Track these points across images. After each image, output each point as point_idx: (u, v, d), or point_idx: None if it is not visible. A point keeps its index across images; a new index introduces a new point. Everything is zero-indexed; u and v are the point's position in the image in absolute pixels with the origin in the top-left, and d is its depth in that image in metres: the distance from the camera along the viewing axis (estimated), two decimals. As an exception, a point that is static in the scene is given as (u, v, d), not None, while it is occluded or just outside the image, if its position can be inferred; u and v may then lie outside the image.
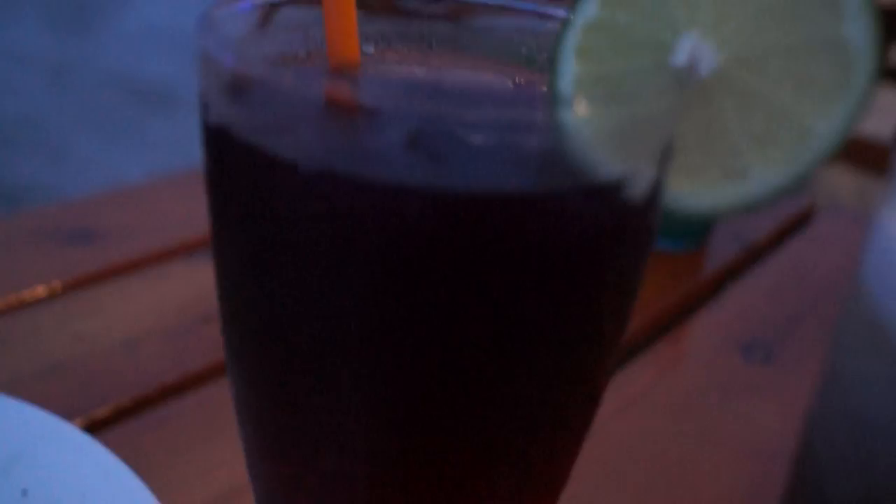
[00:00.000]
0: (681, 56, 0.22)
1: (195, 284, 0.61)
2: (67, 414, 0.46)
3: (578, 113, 0.19)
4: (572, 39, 0.23)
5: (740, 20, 0.22)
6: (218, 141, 0.20)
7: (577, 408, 0.23)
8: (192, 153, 0.62)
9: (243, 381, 0.23)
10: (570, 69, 0.22)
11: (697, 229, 0.70)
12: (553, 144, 0.19)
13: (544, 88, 0.23)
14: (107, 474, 0.38)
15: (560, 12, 0.25)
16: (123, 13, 5.35)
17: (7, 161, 3.05)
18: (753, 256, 0.73)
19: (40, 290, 0.59)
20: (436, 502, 0.22)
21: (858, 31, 0.21)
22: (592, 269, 0.20)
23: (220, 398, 0.52)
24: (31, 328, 0.55)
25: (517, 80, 0.26)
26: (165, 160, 3.10)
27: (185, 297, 0.60)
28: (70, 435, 0.40)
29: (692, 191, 0.21)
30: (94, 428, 0.47)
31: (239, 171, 0.19)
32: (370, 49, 0.26)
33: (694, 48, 0.22)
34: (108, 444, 0.42)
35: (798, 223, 0.80)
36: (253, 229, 0.20)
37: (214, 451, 0.46)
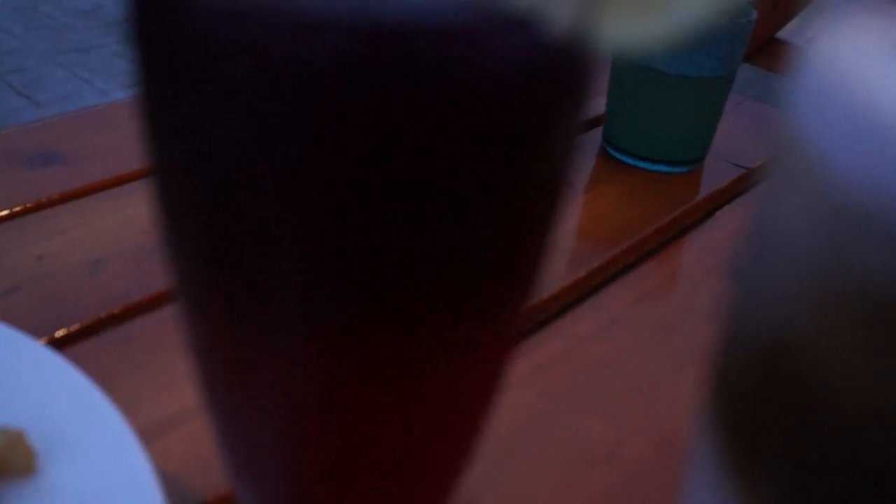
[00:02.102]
0: None
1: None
2: (30, 333, 0.46)
3: None
4: None
5: None
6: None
7: (502, 278, 0.22)
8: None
9: (176, 258, 0.22)
10: None
11: (692, 153, 0.69)
12: None
13: None
14: (66, 386, 0.38)
15: None
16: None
17: (-21, 95, 2.99)
18: (749, 181, 0.72)
19: (2, 213, 0.57)
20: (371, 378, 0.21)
21: None
22: (509, 116, 0.19)
23: (186, 316, 0.52)
24: (-8, 250, 0.54)
25: None
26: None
27: (149, 218, 0.59)
28: (29, 348, 0.40)
29: (618, 24, 0.19)
30: (56, 346, 0.46)
31: (159, 30, 0.18)
32: None
33: None
34: (70, 360, 0.41)
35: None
36: (167, 82, 0.19)
37: (178, 367, 0.45)
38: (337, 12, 0.16)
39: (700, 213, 0.66)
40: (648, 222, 0.62)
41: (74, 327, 0.47)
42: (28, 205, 0.58)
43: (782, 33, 2.48)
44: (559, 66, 0.19)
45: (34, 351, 0.40)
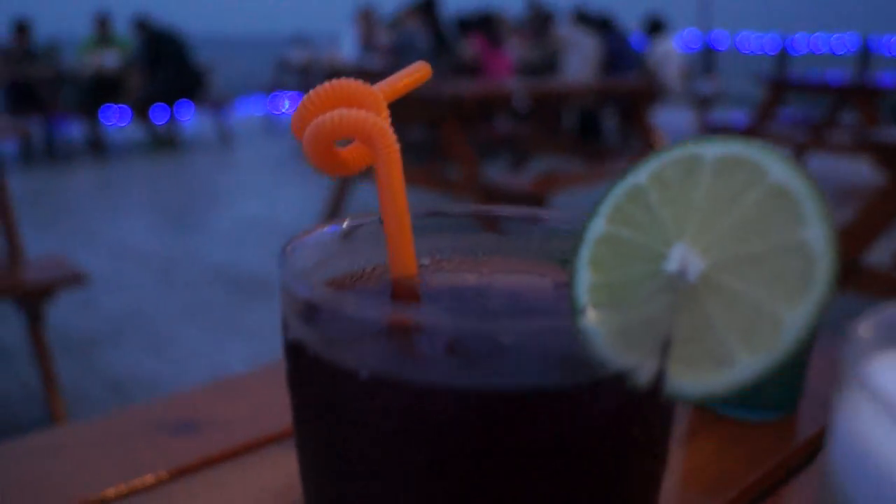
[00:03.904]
0: (673, 263, 0.26)
1: (287, 471, 0.65)
2: None
3: (590, 319, 0.23)
4: (585, 252, 0.27)
5: (720, 232, 0.26)
6: (294, 353, 0.25)
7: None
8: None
9: None
10: (584, 278, 0.27)
11: (785, 400, 0.71)
12: (572, 345, 0.23)
13: (564, 293, 0.27)
14: None
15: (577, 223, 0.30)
16: (223, 211, 5.72)
17: (115, 353, 3.22)
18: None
19: (149, 479, 0.63)
20: None
21: (817, 235, 0.25)
22: (613, 448, 0.24)
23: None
24: (140, 516, 0.59)
25: (545, 283, 0.30)
26: (264, 346, 3.24)
27: (278, 483, 0.64)
28: None
29: (690, 378, 0.25)
30: None
31: (311, 377, 0.24)
32: (426, 261, 0.31)
33: (683, 256, 0.26)
34: None
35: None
36: (322, 424, 0.24)
37: None
38: (456, 382, 0.22)
39: (800, 457, 0.66)
40: (749, 471, 0.63)
41: None
42: (172, 470, 0.65)
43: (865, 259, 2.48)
44: (644, 407, 0.25)
45: None
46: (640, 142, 5.28)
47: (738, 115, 7.54)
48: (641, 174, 0.29)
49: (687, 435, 0.69)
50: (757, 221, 0.26)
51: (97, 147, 8.07)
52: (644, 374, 0.24)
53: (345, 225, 0.30)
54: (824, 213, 0.25)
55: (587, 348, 0.23)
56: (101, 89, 7.97)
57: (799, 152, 6.29)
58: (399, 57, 6.16)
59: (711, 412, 0.72)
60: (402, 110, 0.30)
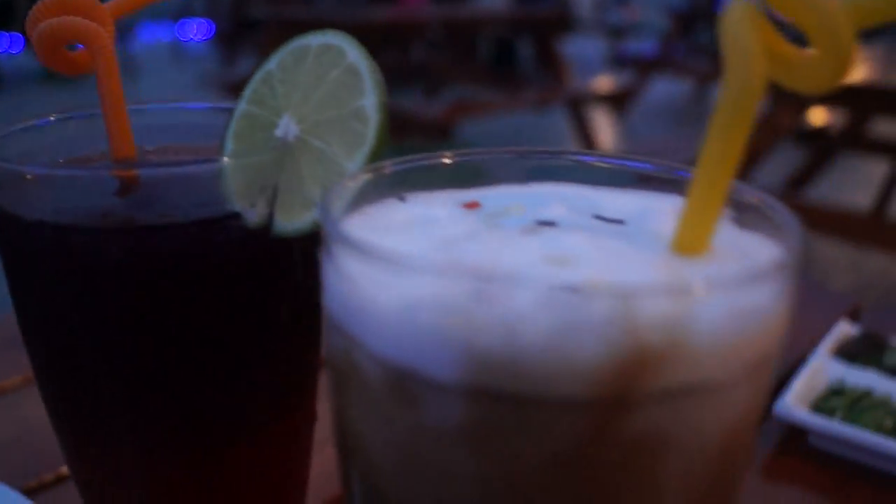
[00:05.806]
0: (280, 130, 0.34)
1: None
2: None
3: (222, 168, 0.31)
4: (232, 126, 0.36)
5: (312, 103, 0.34)
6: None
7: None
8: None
9: (40, 373, 0.33)
10: (228, 146, 0.35)
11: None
12: (202, 188, 0.31)
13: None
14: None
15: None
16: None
17: None
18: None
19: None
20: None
21: (371, 103, 0.32)
22: (234, 277, 0.32)
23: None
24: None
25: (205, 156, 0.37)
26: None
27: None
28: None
29: (288, 219, 0.33)
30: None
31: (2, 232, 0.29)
32: (150, 148, 0.38)
33: (286, 124, 0.34)
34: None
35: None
36: (16, 279, 0.30)
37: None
38: (100, 222, 0.27)
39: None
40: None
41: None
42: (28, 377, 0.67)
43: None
44: (260, 240, 0.32)
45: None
46: (551, 71, 5.34)
47: (648, 46, 7.67)
48: (273, 62, 0.36)
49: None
50: (335, 93, 0.33)
51: (-15, 76, 7.72)
52: (257, 213, 0.32)
53: (53, 117, 0.35)
54: (379, 86, 0.33)
55: (212, 190, 0.31)
56: (-9, 15, 7.60)
57: (701, 81, 6.48)
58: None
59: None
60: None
